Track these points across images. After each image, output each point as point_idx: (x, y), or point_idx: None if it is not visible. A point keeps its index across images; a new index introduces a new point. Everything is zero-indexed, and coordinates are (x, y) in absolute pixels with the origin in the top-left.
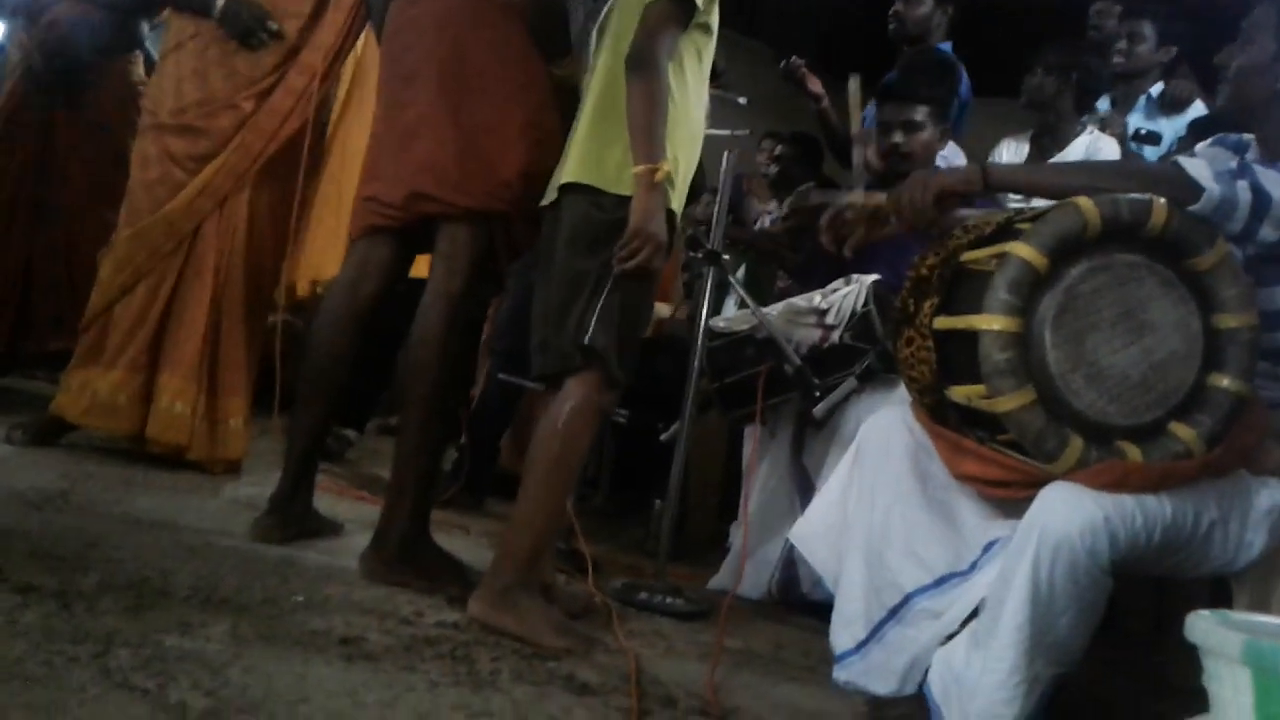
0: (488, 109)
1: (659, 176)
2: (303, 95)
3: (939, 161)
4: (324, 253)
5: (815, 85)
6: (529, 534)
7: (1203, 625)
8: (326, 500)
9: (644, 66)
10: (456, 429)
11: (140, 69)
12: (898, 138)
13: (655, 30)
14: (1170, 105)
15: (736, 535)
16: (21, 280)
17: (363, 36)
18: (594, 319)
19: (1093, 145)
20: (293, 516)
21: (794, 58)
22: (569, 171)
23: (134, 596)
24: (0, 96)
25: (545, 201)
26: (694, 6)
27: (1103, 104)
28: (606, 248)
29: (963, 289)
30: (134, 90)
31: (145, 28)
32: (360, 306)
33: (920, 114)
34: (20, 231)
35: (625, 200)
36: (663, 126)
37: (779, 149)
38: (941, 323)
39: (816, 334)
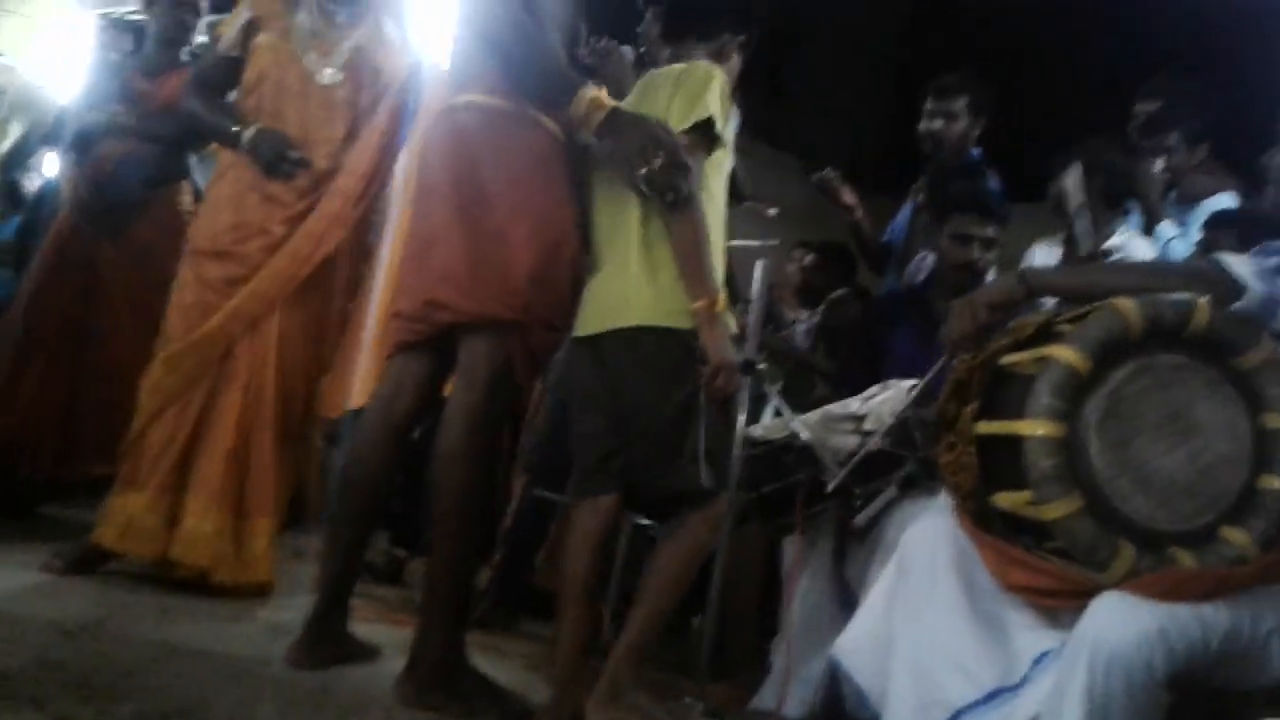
0: (499, 217)
1: (719, 308)
2: (336, 219)
3: None
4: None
5: (849, 197)
6: (646, 638)
7: None
8: (363, 624)
9: (684, 204)
10: (488, 547)
11: (188, 198)
12: (976, 253)
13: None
14: (1188, 199)
15: (778, 652)
16: (65, 407)
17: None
18: (701, 454)
19: (1125, 247)
20: (328, 641)
21: (827, 170)
22: (631, 315)
23: None
24: (51, 229)
25: (585, 332)
26: (716, 136)
27: (1134, 219)
28: (682, 379)
29: (1004, 393)
30: (180, 219)
31: (193, 159)
32: (395, 424)
33: (994, 231)
34: (65, 359)
35: (682, 332)
36: (709, 256)
37: (809, 258)
38: (983, 427)
39: (854, 441)
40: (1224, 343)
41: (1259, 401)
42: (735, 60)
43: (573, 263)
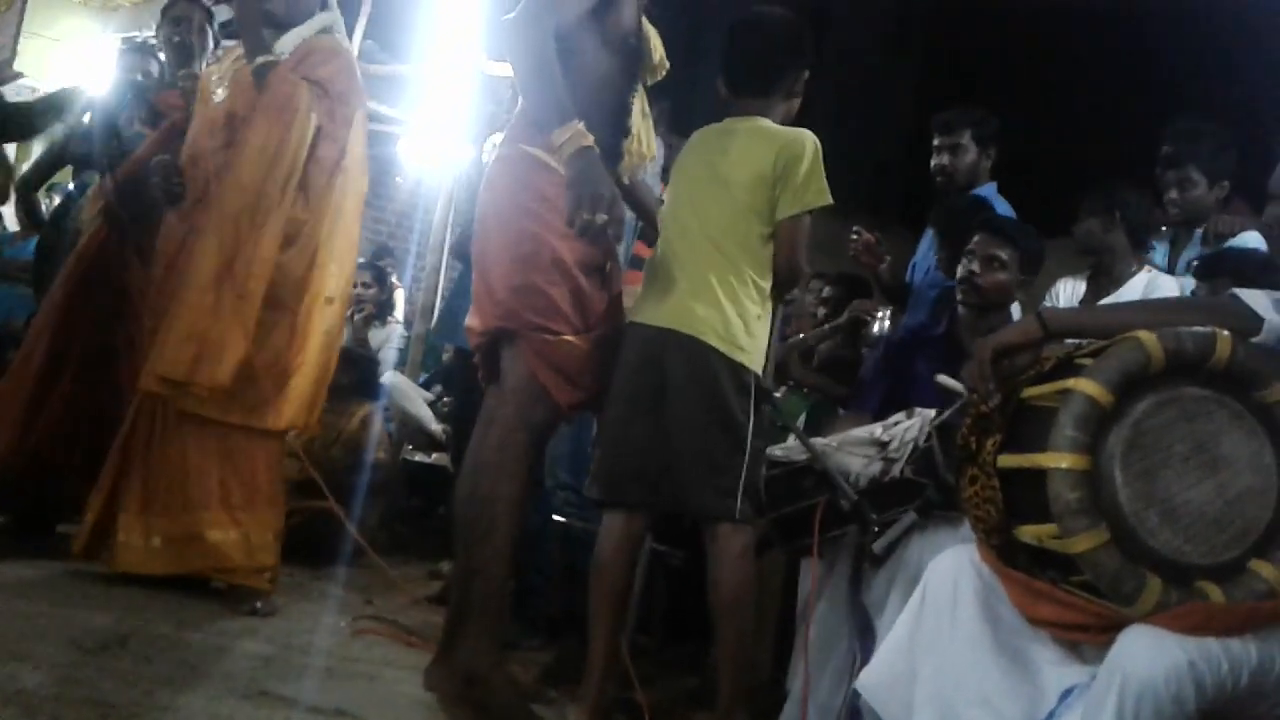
0: (488, 243)
1: None
2: (221, 232)
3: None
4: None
5: (868, 259)
6: (744, 673)
7: None
8: (376, 646)
9: (795, 285)
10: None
11: None
12: (977, 266)
13: (801, 245)
14: (1216, 239)
15: (794, 678)
16: (94, 426)
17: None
18: (747, 476)
19: (1151, 283)
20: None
21: (863, 235)
22: (705, 331)
23: None
24: (77, 249)
25: (648, 320)
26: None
27: (1159, 254)
28: (736, 412)
29: (1026, 426)
30: None
31: None
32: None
33: (1007, 253)
34: (94, 379)
35: (746, 370)
36: None
37: (826, 290)
38: (1006, 461)
39: (877, 467)
40: (1247, 376)
41: None
42: (799, 96)
43: (558, 266)
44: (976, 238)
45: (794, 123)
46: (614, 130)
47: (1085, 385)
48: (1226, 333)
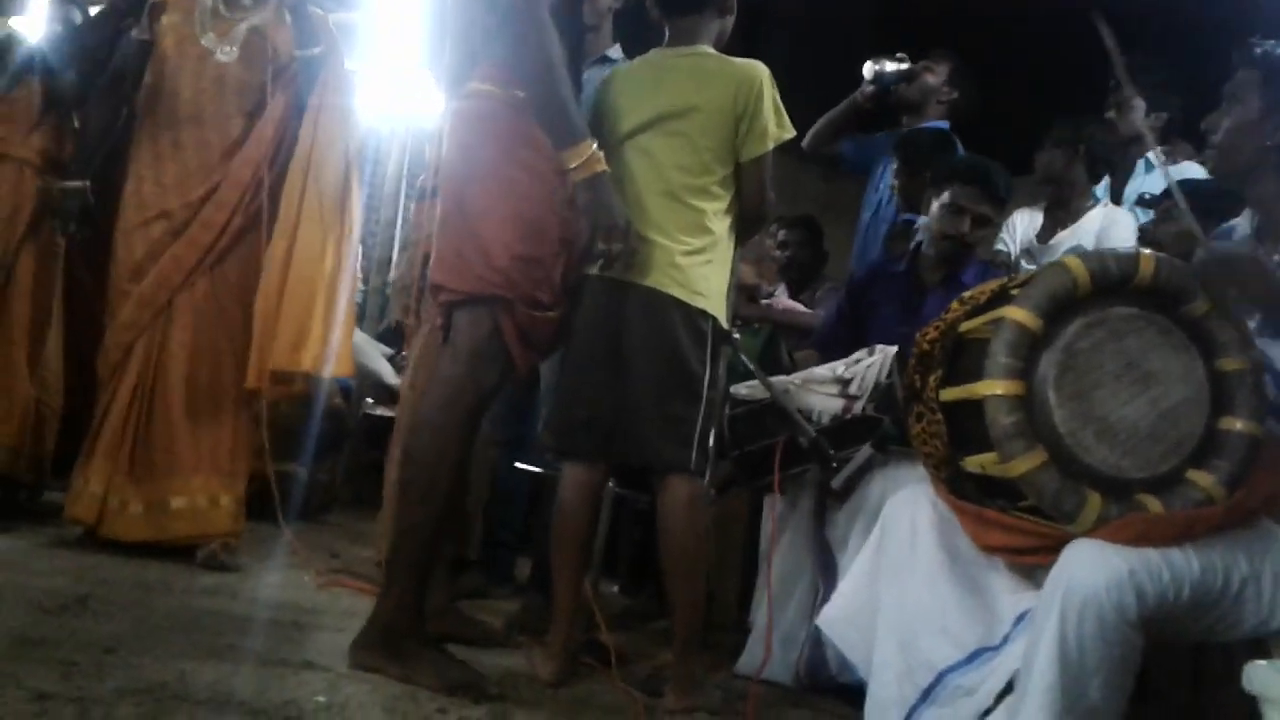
0: (484, 198)
1: None
2: (234, 207)
3: None
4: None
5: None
6: (697, 621)
7: (1262, 675)
8: (345, 599)
9: (765, 220)
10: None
11: None
12: (967, 227)
13: (769, 180)
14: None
15: (758, 613)
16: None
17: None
18: (703, 428)
19: (1107, 217)
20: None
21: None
22: (670, 284)
23: (152, 701)
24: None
25: (616, 275)
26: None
27: (1100, 189)
28: (703, 357)
29: (964, 358)
30: None
31: None
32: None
33: (991, 210)
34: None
35: (703, 315)
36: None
37: (784, 234)
38: (947, 394)
39: (839, 404)
40: (1172, 292)
41: (1212, 346)
42: (732, 13)
43: (563, 242)
44: (962, 188)
45: (745, 52)
46: (573, 57)
47: (1014, 313)
48: (1149, 251)
